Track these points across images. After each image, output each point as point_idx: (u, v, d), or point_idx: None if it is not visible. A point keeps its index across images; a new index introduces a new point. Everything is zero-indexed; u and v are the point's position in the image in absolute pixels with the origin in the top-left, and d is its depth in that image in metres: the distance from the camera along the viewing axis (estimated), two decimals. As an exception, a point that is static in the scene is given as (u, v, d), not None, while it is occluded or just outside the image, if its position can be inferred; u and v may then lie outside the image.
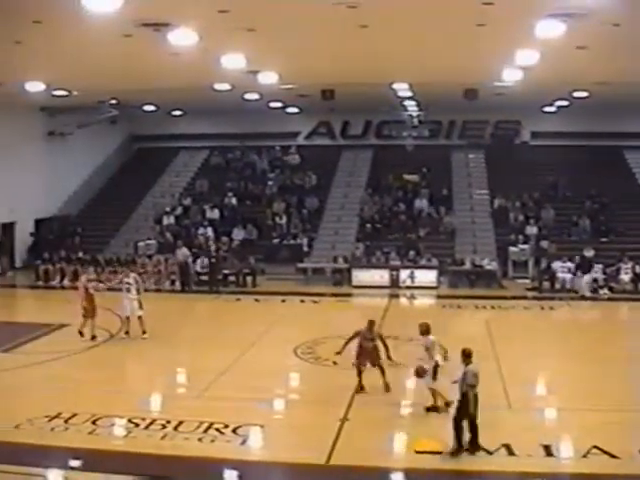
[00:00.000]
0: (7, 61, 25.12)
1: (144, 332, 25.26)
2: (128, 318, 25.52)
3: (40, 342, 25.50)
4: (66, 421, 17.24)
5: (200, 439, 16.13)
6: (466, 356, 15.50)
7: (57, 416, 17.46)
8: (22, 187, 40.78)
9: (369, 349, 19.27)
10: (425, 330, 18.09)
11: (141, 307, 25.51)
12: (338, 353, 19.74)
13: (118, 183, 48.99)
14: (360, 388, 19.20)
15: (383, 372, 19.19)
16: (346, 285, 36.09)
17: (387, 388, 19.12)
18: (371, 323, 19.72)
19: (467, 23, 19.85)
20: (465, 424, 15.05)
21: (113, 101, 40.49)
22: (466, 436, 15.07)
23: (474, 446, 15.07)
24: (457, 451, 15.01)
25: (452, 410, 15.58)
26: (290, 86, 32.81)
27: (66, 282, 37.16)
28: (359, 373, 19.30)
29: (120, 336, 25.56)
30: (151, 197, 47.19)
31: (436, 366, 17.54)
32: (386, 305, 32.09)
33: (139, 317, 25.35)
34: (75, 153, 45.64)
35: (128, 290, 25.67)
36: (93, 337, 25.03)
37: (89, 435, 16.50)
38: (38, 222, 44.01)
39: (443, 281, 35.94)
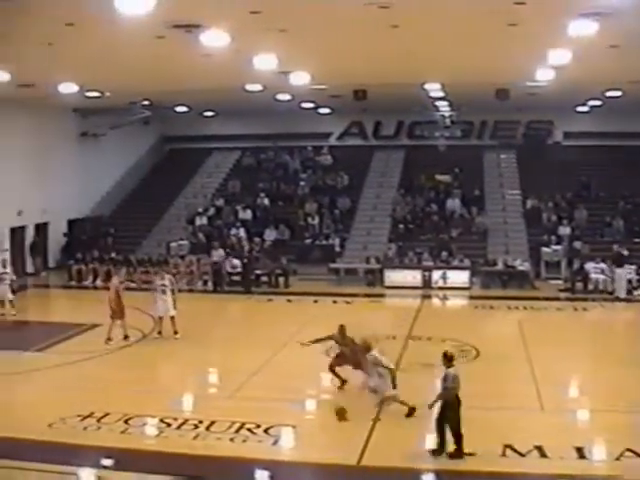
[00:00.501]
0: (40, 63, 25.29)
1: (176, 332, 25.35)
2: (161, 318, 25.64)
3: (73, 342, 25.67)
4: (99, 420, 17.36)
5: (232, 439, 16.18)
6: (448, 359, 15.52)
7: (90, 415, 17.59)
8: (55, 188, 41.15)
9: (347, 353, 19.51)
10: (367, 348, 17.92)
11: (175, 307, 25.61)
12: (303, 344, 20.66)
13: (150, 184, 49.21)
14: (342, 383, 19.59)
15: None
16: (378, 286, 36.01)
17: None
18: (341, 328, 20.09)
19: (499, 23, 19.77)
20: (447, 428, 15.04)
21: (145, 102, 40.60)
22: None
23: (458, 452, 15.00)
24: (436, 452, 15.05)
25: (435, 412, 15.44)
26: (322, 87, 32.80)
27: (99, 282, 37.37)
28: (334, 373, 19.66)
29: (153, 336, 25.69)
30: (183, 198, 47.31)
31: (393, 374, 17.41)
32: (418, 306, 31.99)
33: (172, 317, 25.44)
34: (107, 154, 45.91)
35: (163, 292, 25.76)
36: (125, 337, 25.16)
37: (121, 434, 16.61)
38: (71, 223, 44.30)
39: (475, 282, 35.77)
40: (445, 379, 15.22)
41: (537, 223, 40.21)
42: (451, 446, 15.04)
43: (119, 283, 26.18)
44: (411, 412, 17.35)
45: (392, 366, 17.72)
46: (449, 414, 15.02)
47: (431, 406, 15.50)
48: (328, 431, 16.77)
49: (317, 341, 20.47)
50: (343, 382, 19.60)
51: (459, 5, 18.17)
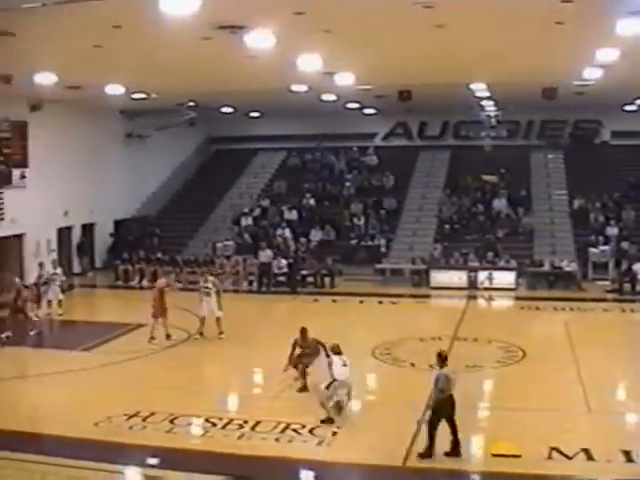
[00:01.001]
0: (88, 65, 25.50)
1: (221, 333, 25.47)
2: (204, 318, 25.73)
3: (119, 342, 25.88)
4: (144, 419, 17.49)
5: (277, 439, 16.22)
6: (441, 359, 15.53)
7: (136, 415, 17.73)
8: (102, 188, 41.50)
9: (309, 353, 19.79)
10: (332, 348, 18.28)
11: (220, 309, 25.72)
12: (286, 369, 19.95)
13: (196, 184, 49.42)
14: (303, 388, 19.63)
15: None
16: (424, 286, 35.89)
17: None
18: (303, 330, 20.18)
19: (545, 21, 19.60)
20: (446, 426, 15.05)
21: (191, 103, 40.75)
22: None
23: (454, 451, 15.02)
24: (426, 453, 14.96)
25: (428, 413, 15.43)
26: (367, 87, 32.75)
27: (145, 282, 37.58)
28: (303, 374, 19.76)
29: (194, 337, 25.76)
30: (229, 198, 47.52)
31: (333, 381, 17.48)
32: (464, 307, 31.83)
33: (217, 318, 25.55)
34: (154, 155, 46.21)
35: (207, 294, 25.88)
36: (168, 336, 25.31)
37: (167, 434, 16.71)
38: (117, 223, 44.64)
39: (521, 282, 35.52)
40: (437, 380, 15.22)
41: (584, 223, 39.85)
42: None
43: (165, 285, 26.38)
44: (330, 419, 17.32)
45: (340, 378, 17.59)
46: (442, 415, 15.02)
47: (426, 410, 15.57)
48: (373, 432, 16.73)
49: (290, 357, 20.11)
50: (304, 387, 19.70)
51: (505, 4, 18.06)
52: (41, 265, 30.97)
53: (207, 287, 25.98)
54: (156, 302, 25.58)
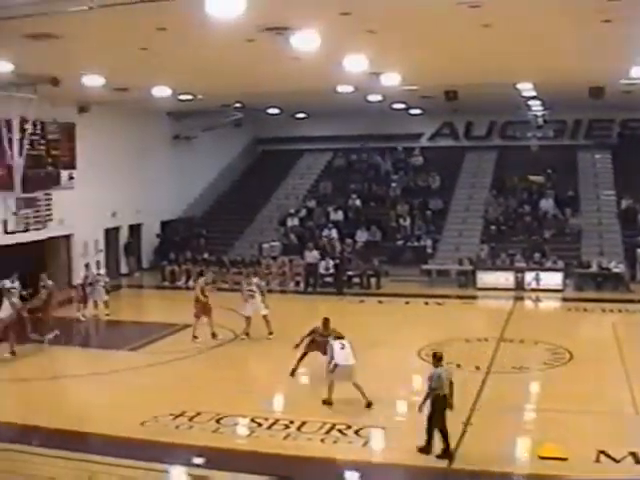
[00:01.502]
0: (134, 67, 25.67)
1: (270, 333, 25.58)
2: (250, 319, 25.80)
3: (165, 342, 26.07)
4: (190, 419, 17.61)
5: (322, 440, 16.25)
6: (436, 359, 15.69)
7: (182, 414, 17.86)
8: (149, 189, 41.75)
9: (322, 343, 20.17)
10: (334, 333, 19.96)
11: (266, 307, 25.80)
12: (297, 346, 21.10)
13: (242, 185, 49.58)
14: (293, 372, 21.13)
15: None
16: (471, 287, 35.74)
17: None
18: (325, 321, 21.12)
19: (592, 20, 19.42)
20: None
21: (237, 104, 40.88)
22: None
23: (445, 453, 15.15)
24: (424, 449, 15.20)
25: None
26: (413, 87, 32.66)
27: (191, 283, 37.67)
28: (301, 358, 20.94)
29: (240, 337, 25.83)
30: (275, 199, 47.61)
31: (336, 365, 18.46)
32: (511, 308, 31.64)
33: (264, 316, 25.64)
34: (200, 156, 46.36)
35: (252, 296, 25.97)
36: (213, 335, 25.46)
37: (213, 433, 16.82)
38: (164, 224, 44.90)
39: (569, 284, 35.23)
40: (430, 379, 15.36)
41: (632, 224, 39.41)
42: (439, 447, 15.23)
43: (205, 284, 26.59)
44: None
45: (340, 361, 18.52)
46: (433, 414, 15.16)
47: (420, 408, 15.60)
48: (419, 433, 16.65)
49: (303, 339, 21.10)
50: (295, 370, 21.16)
51: (551, 3, 17.93)
52: (87, 266, 31.23)
53: (251, 289, 26.10)
54: (198, 302, 25.80)
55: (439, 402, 15.17)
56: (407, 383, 21.23)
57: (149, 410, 18.10)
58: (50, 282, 26.83)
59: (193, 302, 26.06)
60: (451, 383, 15.52)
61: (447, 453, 15.11)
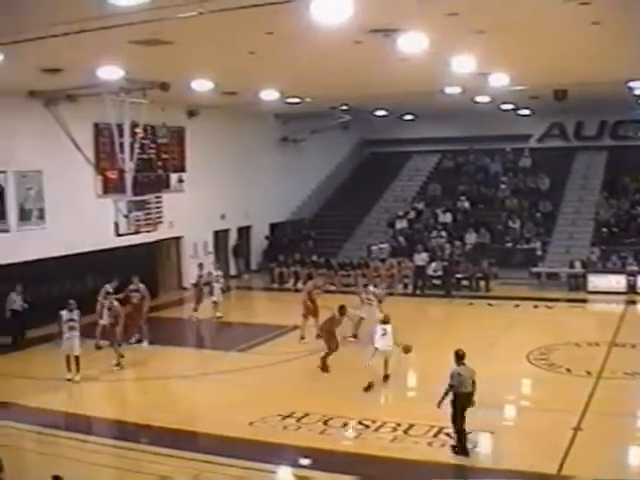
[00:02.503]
0: (242, 71, 25.90)
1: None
2: (362, 320, 25.78)
3: (274, 343, 26.31)
4: (298, 420, 17.77)
5: (430, 443, 16.20)
6: (458, 357, 16.13)
7: (290, 415, 18.03)
8: (257, 192, 42.13)
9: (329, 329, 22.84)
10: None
11: (381, 312, 25.80)
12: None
13: (351, 187, 49.73)
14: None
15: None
16: (582, 290, 35.12)
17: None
18: (341, 308, 22.99)
19: None
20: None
21: (344, 107, 40.98)
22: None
23: (459, 448, 15.60)
24: (459, 450, 15.60)
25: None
26: (521, 87, 32.25)
27: (300, 285, 37.96)
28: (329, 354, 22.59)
29: (348, 340, 25.79)
30: (384, 201, 47.57)
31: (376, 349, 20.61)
32: (622, 312, 30.98)
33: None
34: (308, 158, 46.65)
35: (370, 304, 26.05)
36: (318, 336, 25.53)
37: (320, 435, 16.93)
38: (273, 226, 45.23)
39: (683, 287, 34.44)
40: (451, 377, 15.72)
41: None
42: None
43: (313, 287, 26.94)
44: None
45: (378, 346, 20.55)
46: (454, 412, 15.60)
47: (439, 404, 15.88)
48: (527, 438, 16.47)
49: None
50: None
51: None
52: (201, 266, 31.66)
53: (369, 299, 26.27)
54: (305, 303, 26.07)
55: (458, 400, 15.57)
56: (516, 387, 20.99)
57: (257, 411, 18.31)
58: (142, 285, 27.20)
59: (302, 304, 26.24)
60: (474, 382, 15.91)
61: (461, 450, 15.56)
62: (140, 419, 18.63)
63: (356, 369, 23.10)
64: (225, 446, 16.47)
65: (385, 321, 20.70)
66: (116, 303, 24.40)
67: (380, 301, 26.34)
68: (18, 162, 28.60)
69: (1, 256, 27.22)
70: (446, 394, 15.70)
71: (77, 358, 21.74)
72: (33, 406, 19.64)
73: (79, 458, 16.19)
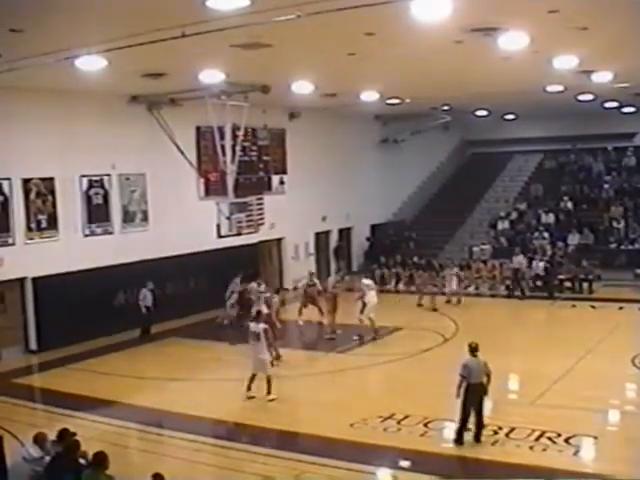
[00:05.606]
0: (342, 72, 25.98)
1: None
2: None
3: (376, 344, 26.21)
4: (399, 422, 17.78)
5: (531, 447, 16.01)
6: (471, 349, 16.67)
7: (390, 417, 18.04)
8: (358, 193, 42.22)
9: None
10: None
11: None
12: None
13: (452, 188, 49.51)
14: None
15: None
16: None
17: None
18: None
19: None
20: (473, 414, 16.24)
21: (445, 107, 40.78)
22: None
23: (476, 437, 16.30)
24: (477, 437, 16.35)
25: None
26: (625, 85, 31.67)
27: (401, 286, 37.95)
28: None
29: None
30: (485, 202, 47.30)
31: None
32: None
33: None
34: (408, 159, 46.47)
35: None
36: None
37: (420, 437, 16.92)
38: (374, 227, 45.22)
39: None
40: (462, 367, 16.43)
41: None
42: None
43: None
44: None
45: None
46: (462, 401, 16.21)
47: (457, 394, 16.31)
48: (632, 444, 16.14)
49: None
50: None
51: None
52: (311, 275, 31.50)
53: None
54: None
55: (469, 390, 16.00)
56: (620, 391, 20.61)
57: (358, 412, 18.36)
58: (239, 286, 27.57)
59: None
60: (488, 375, 16.49)
61: (458, 437, 16.23)
62: (242, 419, 18.86)
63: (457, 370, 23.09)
64: (326, 447, 16.57)
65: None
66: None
67: None
68: (122, 165, 29.22)
69: (105, 258, 27.87)
70: (460, 385, 16.16)
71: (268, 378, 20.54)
72: (138, 404, 20.36)
73: (182, 457, 16.44)
